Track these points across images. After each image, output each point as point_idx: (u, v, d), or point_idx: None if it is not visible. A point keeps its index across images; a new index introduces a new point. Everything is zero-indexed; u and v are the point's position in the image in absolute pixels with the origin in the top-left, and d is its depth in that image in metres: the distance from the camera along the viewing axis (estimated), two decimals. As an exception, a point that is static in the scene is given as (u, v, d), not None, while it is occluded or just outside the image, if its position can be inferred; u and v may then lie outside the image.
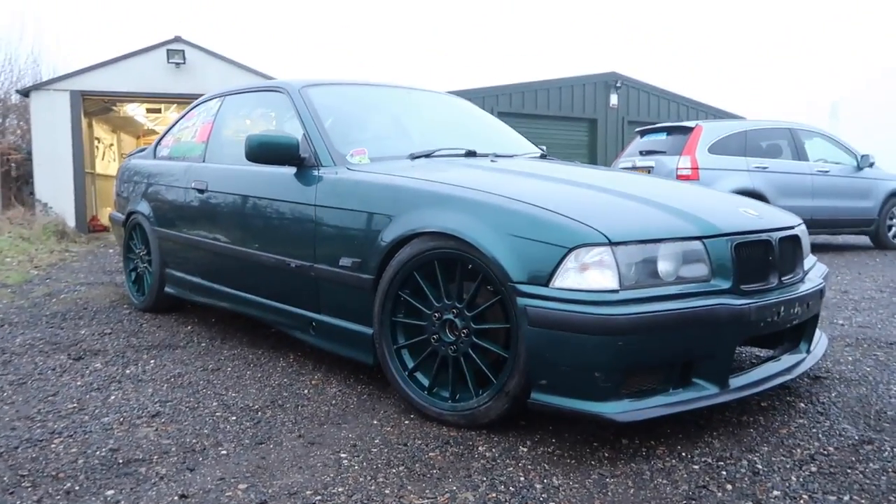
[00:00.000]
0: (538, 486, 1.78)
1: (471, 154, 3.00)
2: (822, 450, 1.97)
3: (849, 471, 1.83)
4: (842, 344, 3.19)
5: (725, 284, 2.05)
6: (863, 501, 1.66)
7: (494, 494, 1.73)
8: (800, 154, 7.53)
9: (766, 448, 1.99)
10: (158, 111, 13.69)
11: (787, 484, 1.76)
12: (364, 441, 2.09)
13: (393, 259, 2.33)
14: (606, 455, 1.97)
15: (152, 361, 3.04)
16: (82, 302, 4.50)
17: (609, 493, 1.73)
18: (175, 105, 12.73)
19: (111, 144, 15.19)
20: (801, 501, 1.67)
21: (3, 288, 5.07)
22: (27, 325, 3.76)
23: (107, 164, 14.41)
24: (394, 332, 2.36)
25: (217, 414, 2.35)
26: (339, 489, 1.76)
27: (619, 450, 2.00)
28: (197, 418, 2.31)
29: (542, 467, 1.89)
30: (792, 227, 2.42)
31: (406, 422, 2.25)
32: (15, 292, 4.91)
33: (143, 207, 4.10)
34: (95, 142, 13.16)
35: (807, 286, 2.36)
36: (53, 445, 2.07)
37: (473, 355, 2.15)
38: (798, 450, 1.97)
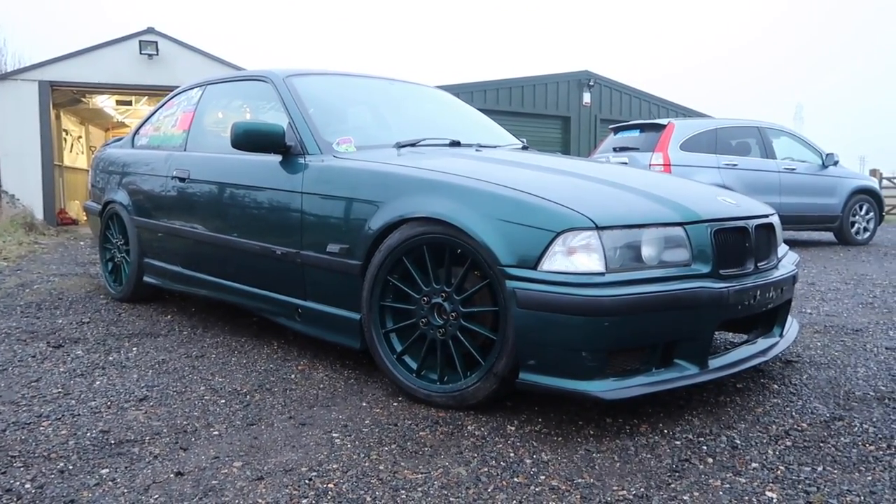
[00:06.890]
0: (528, 461, 1.83)
1: (455, 144, 3.04)
2: (795, 426, 2.06)
3: (821, 444, 1.92)
4: (811, 331, 3.31)
5: (705, 269, 2.13)
6: (835, 472, 1.75)
7: (486, 469, 1.78)
8: (768, 152, 7.73)
9: (743, 425, 2.08)
10: (129, 103, 13.47)
11: (765, 457, 1.84)
12: (354, 422, 2.12)
13: (381, 244, 2.36)
14: (591, 433, 2.03)
15: (134, 349, 3.03)
16: (57, 292, 4.44)
17: (596, 467, 1.80)
18: (146, 97, 12.54)
19: (79, 137, 14.89)
20: (778, 472, 1.75)
21: (-26, 279, 4.97)
22: (2, 315, 3.70)
23: (74, 156, 14.13)
24: (382, 317, 2.40)
25: (206, 398, 2.36)
26: (334, 465, 1.79)
27: (604, 428, 2.07)
28: (185, 402, 2.31)
29: (530, 444, 1.95)
30: (767, 216, 2.51)
31: (395, 404, 2.29)
32: (-14, 283, 4.81)
33: (121, 197, 4.06)
34: (63, 134, 12.89)
35: (780, 272, 2.46)
36: (42, 428, 2.06)
37: (462, 338, 2.19)
38: (773, 426, 2.06)
